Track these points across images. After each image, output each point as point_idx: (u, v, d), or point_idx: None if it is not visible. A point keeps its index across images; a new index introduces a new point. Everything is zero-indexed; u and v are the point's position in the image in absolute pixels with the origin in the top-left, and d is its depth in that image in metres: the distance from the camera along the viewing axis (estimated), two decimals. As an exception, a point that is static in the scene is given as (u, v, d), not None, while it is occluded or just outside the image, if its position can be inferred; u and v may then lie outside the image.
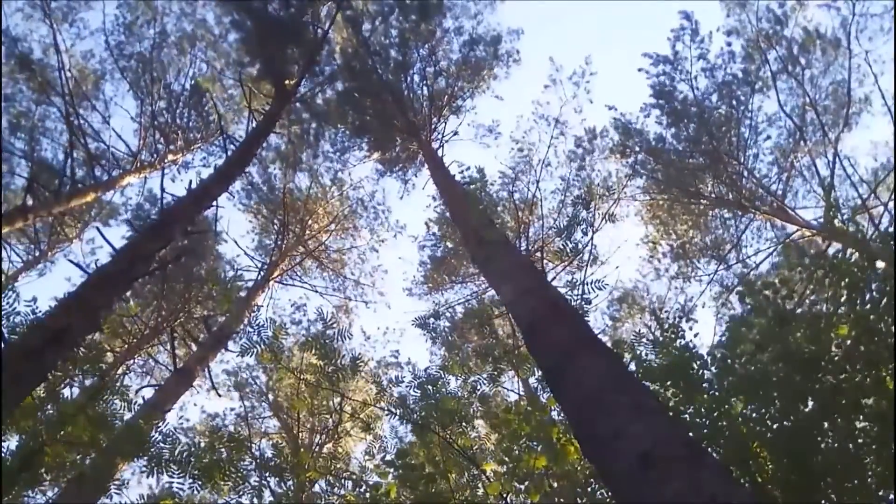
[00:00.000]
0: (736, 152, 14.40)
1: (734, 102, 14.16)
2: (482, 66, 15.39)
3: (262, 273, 15.96)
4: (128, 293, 11.49)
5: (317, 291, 18.08)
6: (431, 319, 13.30)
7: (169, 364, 14.28)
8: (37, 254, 15.79)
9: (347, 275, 18.58)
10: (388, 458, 7.98)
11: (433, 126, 14.69)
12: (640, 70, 14.14)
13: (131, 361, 14.72)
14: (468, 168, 12.59)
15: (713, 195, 15.02)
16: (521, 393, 12.17)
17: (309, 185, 17.34)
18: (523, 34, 15.46)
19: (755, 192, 14.65)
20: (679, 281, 15.99)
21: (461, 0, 14.79)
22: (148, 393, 11.38)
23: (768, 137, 14.36)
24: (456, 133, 15.00)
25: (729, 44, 13.94)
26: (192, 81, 15.66)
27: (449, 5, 14.75)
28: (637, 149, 15.13)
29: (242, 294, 15.28)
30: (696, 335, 7.02)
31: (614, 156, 15.37)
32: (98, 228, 8.54)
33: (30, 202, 11.55)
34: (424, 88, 14.78)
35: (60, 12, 14.48)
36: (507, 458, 7.08)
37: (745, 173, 14.52)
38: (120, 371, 13.58)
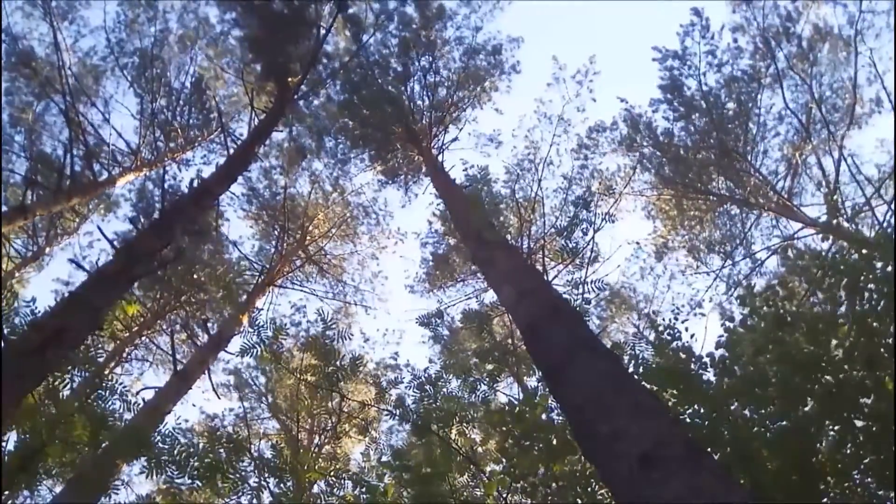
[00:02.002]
0: (743, 149, 14.41)
1: (742, 99, 14.18)
2: (483, 77, 15.37)
3: (261, 277, 15.97)
4: (128, 292, 11.47)
5: (316, 296, 18.09)
6: (434, 318, 13.31)
7: (168, 351, 14.27)
8: (35, 249, 15.77)
9: (347, 280, 18.61)
10: (384, 459, 7.99)
11: (434, 134, 14.70)
12: (654, 59, 14.15)
13: (132, 347, 14.74)
14: (473, 166, 12.68)
15: (720, 191, 15.03)
16: (517, 395, 12.17)
17: (310, 191, 17.37)
18: (524, 42, 15.46)
19: (762, 188, 14.65)
20: (685, 277, 16.01)
21: (462, 9, 14.81)
22: (147, 394, 11.39)
23: (777, 134, 14.39)
24: (457, 139, 15.03)
25: (735, 40, 13.98)
26: (193, 79, 15.66)
27: (450, 14, 14.77)
28: (645, 143, 15.15)
29: (243, 297, 15.31)
30: (692, 336, 7.03)
31: (621, 149, 15.39)
32: (98, 227, 8.53)
33: (30, 200, 11.55)
34: (425, 98, 14.78)
35: (60, 10, 14.49)
36: (503, 459, 7.09)
37: (752, 170, 14.53)
38: (120, 359, 13.62)
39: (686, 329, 7.12)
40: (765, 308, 6.32)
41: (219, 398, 13.97)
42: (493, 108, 15.73)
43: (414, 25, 14.27)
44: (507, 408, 7.58)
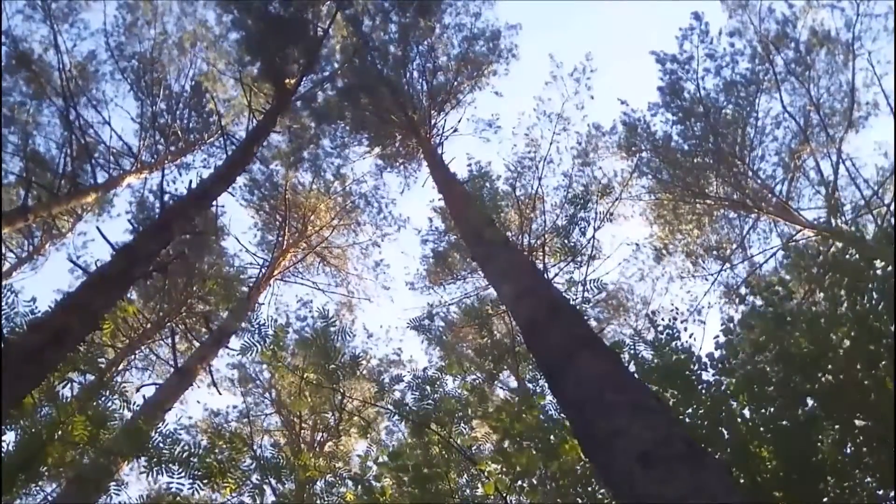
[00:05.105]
0: (741, 152, 14.41)
1: (740, 102, 14.19)
2: (481, 62, 15.44)
3: (263, 270, 15.98)
4: (128, 293, 11.46)
5: (319, 288, 18.09)
6: (426, 321, 13.29)
7: (170, 359, 14.28)
8: (30, 249, 15.75)
9: (350, 270, 18.62)
10: (382, 459, 7.99)
11: (433, 122, 14.72)
12: (655, 59, 14.21)
13: (132, 357, 14.75)
14: (477, 161, 12.72)
15: (718, 195, 15.04)
16: (513, 393, 12.18)
17: (311, 181, 17.38)
18: (521, 29, 15.65)
19: (760, 192, 14.66)
20: (683, 281, 16.02)
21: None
22: (148, 392, 11.40)
23: (775, 138, 14.40)
24: (455, 130, 15.10)
25: (732, 45, 13.98)
26: (193, 82, 15.69)
27: (449, 1, 14.83)
28: (643, 147, 15.16)
29: (244, 289, 15.34)
30: (691, 335, 7.04)
31: (621, 152, 15.41)
32: (98, 228, 8.52)
33: (29, 202, 11.54)
34: (423, 84, 14.82)
35: (61, 13, 14.48)
36: (501, 458, 7.08)
37: (750, 173, 14.53)
38: (121, 367, 13.63)
39: (685, 329, 7.13)
40: (764, 297, 6.32)
41: (220, 394, 13.98)
42: (491, 91, 15.89)
43: (412, 12, 14.32)
44: (506, 406, 7.58)
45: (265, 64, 13.57)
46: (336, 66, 14.94)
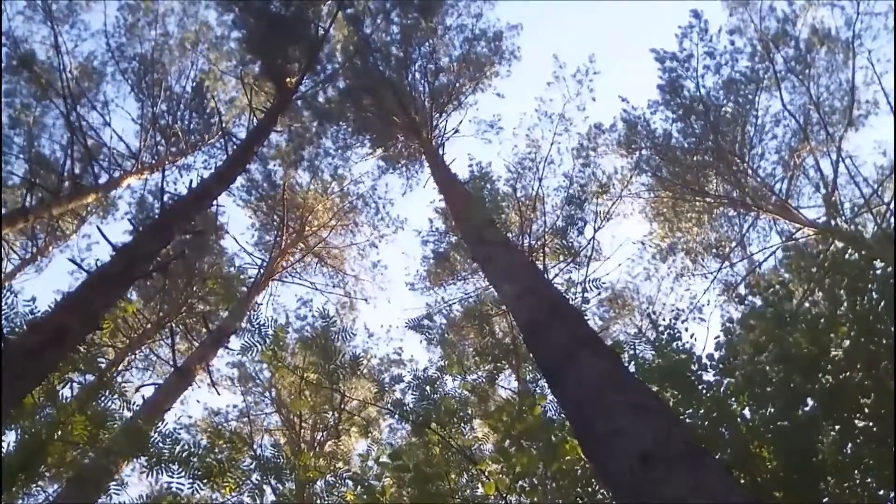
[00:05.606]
0: (741, 150, 14.42)
1: (739, 100, 14.20)
2: (483, 63, 15.46)
3: (261, 270, 15.99)
4: (128, 292, 11.46)
5: (317, 289, 18.11)
6: (425, 321, 13.28)
7: (170, 359, 14.32)
8: (34, 251, 15.76)
9: (348, 271, 18.65)
10: (382, 459, 7.99)
11: (434, 123, 14.74)
12: (654, 57, 14.23)
13: (132, 356, 14.77)
14: (478, 162, 12.76)
15: (718, 193, 15.06)
16: (516, 391, 12.17)
17: (309, 182, 17.39)
18: (523, 30, 15.70)
19: (759, 190, 14.67)
20: (683, 279, 16.03)
21: (462, -2, 14.89)
22: (148, 391, 11.40)
23: (775, 136, 14.41)
24: (457, 131, 15.13)
25: (732, 42, 13.99)
26: (194, 83, 15.70)
27: (451, 2, 14.84)
28: (643, 145, 15.17)
29: (244, 289, 15.35)
30: (692, 335, 7.03)
31: (620, 150, 15.41)
32: (99, 228, 8.49)
33: (30, 203, 11.54)
34: (425, 85, 14.85)
35: (61, 14, 14.48)
36: (501, 458, 7.08)
37: (750, 171, 14.55)
38: (121, 367, 13.64)
39: (686, 329, 7.13)
40: (764, 297, 6.31)
41: (219, 394, 13.99)
42: (494, 92, 15.93)
43: (414, 13, 14.33)
44: (506, 407, 7.58)
45: (266, 63, 13.60)
46: (337, 65, 14.96)
